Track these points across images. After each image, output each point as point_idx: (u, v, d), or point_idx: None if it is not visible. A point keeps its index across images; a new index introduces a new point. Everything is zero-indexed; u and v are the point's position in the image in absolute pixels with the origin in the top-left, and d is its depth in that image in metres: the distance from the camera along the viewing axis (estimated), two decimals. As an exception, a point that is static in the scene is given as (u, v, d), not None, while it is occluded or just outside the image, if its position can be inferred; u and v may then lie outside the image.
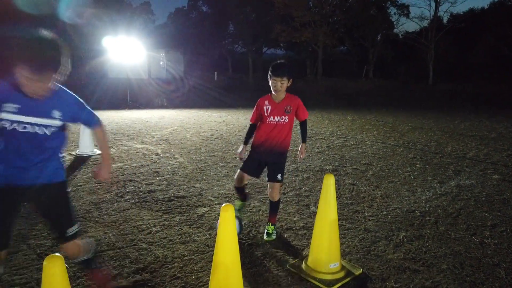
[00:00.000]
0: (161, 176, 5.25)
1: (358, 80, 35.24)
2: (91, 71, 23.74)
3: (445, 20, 39.77)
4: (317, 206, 2.82)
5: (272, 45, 43.78)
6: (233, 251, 2.11)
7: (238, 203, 3.49)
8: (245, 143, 3.38)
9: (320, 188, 2.78)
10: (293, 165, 5.97)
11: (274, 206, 3.38)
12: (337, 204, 2.78)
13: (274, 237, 3.31)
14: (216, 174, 5.41)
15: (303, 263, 2.85)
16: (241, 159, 3.35)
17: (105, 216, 3.76)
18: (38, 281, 2.55)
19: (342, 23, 37.11)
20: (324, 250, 2.69)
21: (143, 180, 5.06)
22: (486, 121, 12.20)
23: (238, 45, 44.59)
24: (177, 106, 16.04)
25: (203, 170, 5.62)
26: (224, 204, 2.13)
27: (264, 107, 3.24)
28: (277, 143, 3.23)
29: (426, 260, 2.99)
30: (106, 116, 12.26)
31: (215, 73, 32.48)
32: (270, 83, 3.16)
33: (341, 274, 2.71)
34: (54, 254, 1.49)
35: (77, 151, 6.66)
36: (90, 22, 28.03)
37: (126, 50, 18.11)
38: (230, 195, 4.48)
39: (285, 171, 5.01)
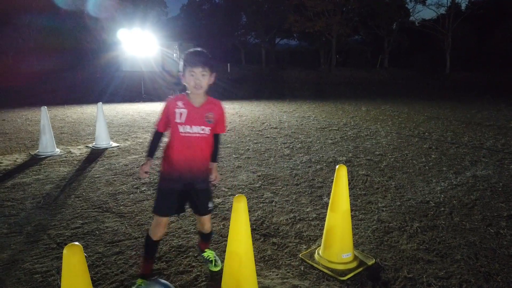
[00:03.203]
0: (176, 168, 5.31)
1: (372, 70, 34.74)
2: (105, 65, 24.04)
3: (463, 6, 38.74)
4: (330, 197, 2.83)
5: (285, 36, 43.44)
6: (246, 241, 2.14)
7: (139, 281, 2.43)
8: (149, 155, 2.40)
9: (333, 179, 2.79)
10: (306, 156, 5.96)
11: (207, 237, 2.73)
12: (350, 195, 2.79)
13: (219, 262, 2.72)
14: (229, 166, 5.45)
15: (316, 253, 2.88)
16: (145, 173, 2.35)
17: (121, 207, 3.85)
18: (58, 269, 2.65)
19: (356, 11, 36.53)
20: (337, 240, 2.71)
21: (158, 172, 5.13)
22: (505, 110, 11.91)
23: (250, 36, 44.39)
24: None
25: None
26: (237, 195, 2.16)
27: (176, 112, 2.29)
28: (199, 164, 2.36)
29: (440, 251, 2.98)
30: (121, 109, 12.43)
31: (228, 64, 32.44)
32: (185, 78, 2.27)
33: (354, 264, 2.73)
34: (73, 243, 1.55)
35: (94, 143, 6.79)
36: (105, 15, 28.27)
37: (140, 43, 18.24)
38: (243, 186, 4.52)
39: (283, 167, 5.00)
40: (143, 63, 19.42)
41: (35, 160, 5.70)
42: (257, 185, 4.57)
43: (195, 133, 2.31)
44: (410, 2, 39.03)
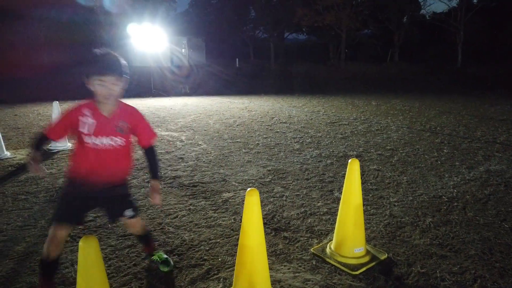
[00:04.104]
0: (186, 162, 5.33)
1: (383, 64, 34.39)
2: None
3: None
4: (341, 192, 2.81)
5: (294, 30, 43.16)
6: (258, 234, 2.14)
7: None
8: (35, 150, 2.08)
9: (344, 174, 2.77)
10: (316, 151, 5.94)
11: (144, 239, 2.55)
12: (362, 190, 2.76)
13: (171, 262, 2.59)
14: (239, 160, 5.46)
15: (328, 247, 2.87)
16: (33, 162, 2.02)
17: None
18: (73, 262, 2.68)
19: (366, 5, 36.09)
20: (349, 234, 2.69)
21: (168, 166, 5.16)
22: (519, 104, 11.71)
23: (259, 31, 44.20)
24: (200, 94, 16.16)
25: (226, 157, 5.67)
26: (249, 189, 2.15)
27: (82, 121, 2.04)
28: (111, 178, 2.15)
29: (453, 246, 2.95)
30: (132, 104, 12.50)
31: (237, 59, 32.38)
32: (92, 86, 2.01)
33: (366, 258, 2.71)
34: (89, 235, 1.56)
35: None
36: (115, 10, 28.38)
37: (149, 38, 18.30)
38: (253, 181, 4.52)
39: (293, 161, 4.96)
40: (153, 58, 19.49)
41: (48, 155, 5.77)
42: (267, 180, 4.57)
43: (105, 144, 2.07)
44: (422, -5, 38.31)
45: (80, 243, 1.53)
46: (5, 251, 2.84)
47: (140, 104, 12.76)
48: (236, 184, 4.41)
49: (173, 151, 5.98)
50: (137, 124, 2.18)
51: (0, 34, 24.06)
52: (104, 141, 2.07)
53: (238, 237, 3.03)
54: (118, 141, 2.11)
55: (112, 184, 2.16)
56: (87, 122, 2.04)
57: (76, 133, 2.07)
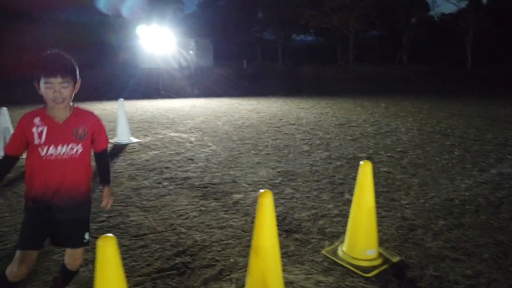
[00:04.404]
0: (196, 164, 5.36)
1: (391, 65, 34.21)
2: (124, 62, 24.37)
3: (484, 0, 37.66)
4: (352, 194, 2.81)
5: (301, 31, 43.15)
6: (272, 235, 2.15)
7: None
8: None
9: (354, 176, 2.77)
10: (325, 153, 5.93)
11: (69, 275, 2.19)
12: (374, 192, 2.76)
13: None
14: (249, 162, 5.47)
15: (339, 249, 2.87)
16: None
17: (144, 202, 3.91)
18: (87, 261, 2.71)
19: (373, 6, 35.96)
20: (361, 237, 2.69)
21: (178, 167, 5.19)
22: (530, 106, 11.57)
23: (266, 32, 44.26)
24: (208, 95, 16.21)
25: (236, 158, 5.69)
26: (262, 190, 2.17)
27: (34, 129, 1.85)
28: (70, 191, 1.93)
29: (466, 249, 2.93)
30: (140, 106, 12.60)
31: (244, 61, 32.46)
32: (41, 89, 1.82)
33: (378, 261, 2.70)
34: (107, 234, 1.58)
35: (115, 139, 6.90)
36: (121, 12, 28.61)
37: (158, 40, 18.41)
38: (263, 182, 4.53)
39: (303, 163, 4.96)
40: (161, 60, 19.61)
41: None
42: (277, 181, 4.57)
43: (63, 154, 1.87)
44: (431, -4, 38.06)
45: (99, 242, 1.55)
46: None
47: (149, 105, 12.85)
48: (246, 186, 4.42)
49: (183, 152, 6.01)
50: (95, 129, 2.00)
51: (13, 36, 24.42)
52: (61, 150, 1.87)
53: (250, 238, 3.04)
54: (77, 148, 1.90)
55: (73, 201, 1.95)
56: (40, 131, 1.85)
57: (31, 147, 1.87)
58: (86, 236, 2.05)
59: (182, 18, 41.50)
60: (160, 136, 7.40)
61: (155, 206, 3.78)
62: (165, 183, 4.51)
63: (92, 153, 2.10)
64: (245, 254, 2.82)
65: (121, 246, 2.94)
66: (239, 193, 4.17)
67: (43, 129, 1.86)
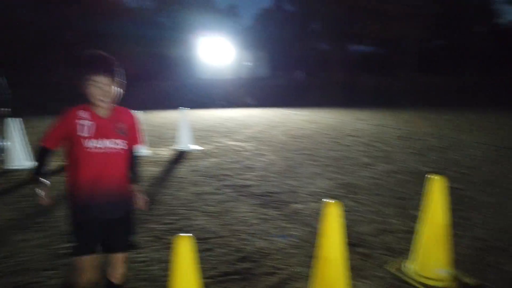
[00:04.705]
0: (254, 172, 5.44)
1: (455, 76, 32.32)
2: (184, 72, 25.47)
3: None
4: (418, 209, 2.69)
5: (359, 42, 42.29)
6: (339, 247, 2.12)
7: None
8: (39, 173, 1.94)
9: (419, 190, 2.66)
10: (387, 166, 5.73)
11: None
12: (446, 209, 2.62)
13: None
14: (306, 172, 5.44)
15: (405, 266, 2.75)
16: (46, 199, 1.91)
17: (207, 207, 4.04)
18: (157, 260, 2.86)
19: (436, 15, 34.33)
20: (432, 255, 2.56)
21: (238, 175, 5.30)
22: None
23: (323, 43, 43.97)
24: (264, 105, 16.43)
25: (293, 168, 5.69)
26: (327, 200, 2.15)
27: (80, 123, 1.87)
28: (115, 185, 1.94)
29: (552, 276, 2.67)
30: (199, 115, 13.07)
31: (300, 71, 32.46)
32: (85, 88, 1.85)
33: (451, 282, 2.55)
34: (185, 234, 1.67)
35: (177, 146, 7.22)
36: (181, 25, 30.01)
37: (216, 52, 19.06)
38: (323, 193, 4.48)
39: (363, 175, 4.82)
40: (219, 71, 20.25)
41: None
42: (337, 193, 4.50)
43: (108, 148, 1.90)
44: (498, 3, 35.53)
45: (176, 241, 1.64)
46: (98, 246, 3.10)
47: (207, 114, 13.30)
48: (306, 196, 4.40)
49: (241, 161, 6.14)
50: (132, 127, 2.03)
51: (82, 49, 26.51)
52: (107, 144, 1.89)
53: (311, 248, 3.03)
54: (120, 143, 1.94)
55: (119, 198, 1.96)
56: (86, 125, 1.87)
57: (74, 138, 1.87)
58: (133, 239, 2.05)
59: (238, 30, 42.60)
60: (219, 144, 7.62)
61: (217, 212, 3.89)
62: (225, 190, 4.63)
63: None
64: (307, 265, 2.80)
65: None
66: (298, 203, 4.16)
67: (88, 123, 1.88)
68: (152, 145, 7.50)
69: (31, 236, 3.30)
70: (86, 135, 1.86)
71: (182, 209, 3.95)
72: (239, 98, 18.25)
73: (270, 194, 4.45)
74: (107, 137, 1.90)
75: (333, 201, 2.12)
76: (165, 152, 6.86)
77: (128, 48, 29.13)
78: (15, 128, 5.73)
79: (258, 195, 4.42)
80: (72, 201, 1.92)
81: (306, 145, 7.41)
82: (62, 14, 28.09)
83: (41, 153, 1.93)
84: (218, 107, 16.38)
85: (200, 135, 8.72)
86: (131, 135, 2.02)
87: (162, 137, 8.51)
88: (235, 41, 24.58)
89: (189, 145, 7.17)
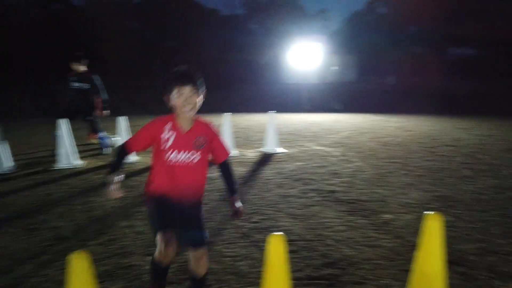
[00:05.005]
0: (341, 178, 5.31)
1: None
2: (270, 77, 25.99)
3: None
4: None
5: (459, 44, 38.76)
6: (439, 261, 1.96)
7: None
8: (113, 170, 2.09)
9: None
10: (493, 181, 5.14)
11: (199, 283, 2.19)
12: None
13: None
14: (398, 182, 5.14)
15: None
16: (116, 191, 2.06)
17: (292, 209, 4.05)
18: (244, 256, 2.95)
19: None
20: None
21: (323, 180, 5.22)
22: None
23: (419, 46, 41.22)
24: (352, 110, 15.97)
25: (384, 176, 5.42)
26: (431, 212, 2.00)
27: (163, 135, 2.05)
28: (187, 194, 2.08)
29: None
30: (285, 119, 13.19)
31: (392, 76, 30.87)
32: (173, 98, 2.01)
33: None
34: (278, 233, 1.69)
35: (264, 148, 7.37)
36: (270, 30, 30.65)
37: (303, 56, 19.06)
38: (416, 205, 4.18)
39: (464, 189, 4.35)
40: (305, 75, 20.22)
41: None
42: (433, 206, 4.16)
43: (182, 160, 2.04)
44: None
45: (269, 240, 1.67)
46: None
47: (293, 118, 13.35)
48: (397, 207, 4.15)
49: (327, 166, 6.03)
50: (213, 140, 2.12)
51: (178, 53, 28.63)
52: (182, 156, 2.05)
53: (403, 262, 2.86)
54: (196, 157, 2.06)
55: (191, 203, 2.10)
56: (167, 136, 2.05)
57: (156, 147, 2.07)
58: (206, 235, 2.13)
59: (327, 34, 42.06)
60: (304, 148, 7.59)
61: (303, 215, 3.88)
62: (311, 194, 4.59)
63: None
64: (399, 278, 2.64)
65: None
66: (389, 214, 3.94)
67: (170, 135, 2.05)
68: (239, 146, 7.77)
69: (135, 224, 3.65)
70: (165, 146, 2.04)
71: (268, 210, 4.02)
72: (325, 103, 18.00)
73: (358, 202, 4.30)
74: (184, 149, 2.05)
75: (434, 213, 1.97)
76: (252, 154, 7.05)
77: (220, 53, 30.75)
78: (123, 125, 6.40)
79: (345, 202, 4.29)
80: (149, 196, 2.13)
81: (398, 153, 7.00)
82: (163, 23, 30.75)
83: (121, 152, 2.13)
84: (304, 111, 16.35)
85: (286, 138, 8.80)
86: (214, 149, 2.13)
87: (248, 139, 8.78)
88: (323, 45, 24.35)
89: (275, 147, 7.28)
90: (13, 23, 27.56)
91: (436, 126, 10.96)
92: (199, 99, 2.06)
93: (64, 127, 5.96)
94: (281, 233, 1.69)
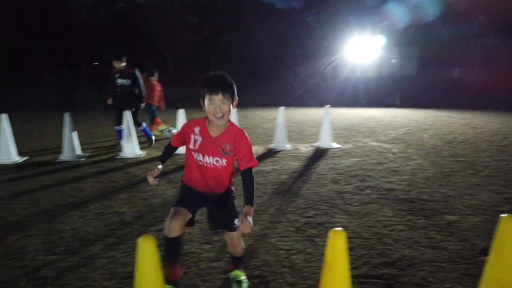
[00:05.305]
0: (400, 176, 5.08)
1: None
2: (327, 71, 25.49)
3: None
4: None
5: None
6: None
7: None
8: (161, 160, 2.30)
9: None
10: None
11: (237, 260, 2.46)
12: None
13: (245, 286, 2.39)
14: (464, 182, 4.81)
15: None
16: (153, 178, 2.19)
17: (348, 206, 3.95)
18: (298, 250, 2.93)
19: None
20: None
21: (381, 177, 5.03)
22: None
23: (488, 37, 38.11)
24: (411, 105, 15.21)
25: (447, 175, 5.09)
26: (504, 215, 1.84)
27: (192, 138, 2.17)
28: (212, 188, 2.24)
29: None
30: (340, 113, 12.89)
31: (456, 69, 28.90)
32: (205, 105, 2.07)
33: None
34: (338, 228, 1.65)
35: (318, 143, 7.26)
36: (327, 24, 29.98)
37: (359, 49, 18.45)
38: (484, 208, 3.88)
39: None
40: (361, 69, 19.58)
41: (271, 153, 6.56)
42: (504, 209, 3.84)
43: (208, 163, 2.15)
44: None
45: (330, 235, 1.63)
46: (245, 229, 3.36)
47: (348, 113, 13.01)
48: (463, 208, 3.89)
49: (385, 163, 5.80)
50: (240, 148, 2.13)
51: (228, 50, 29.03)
52: (208, 160, 2.14)
53: (467, 266, 2.68)
54: (221, 162, 2.15)
55: (219, 193, 2.25)
56: (195, 140, 2.16)
57: (186, 146, 2.22)
58: (236, 222, 2.20)
59: (387, 26, 40.28)
60: (360, 144, 7.36)
61: (359, 212, 3.77)
62: (367, 191, 4.44)
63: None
64: (464, 283, 2.48)
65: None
66: (453, 215, 3.70)
67: (198, 138, 2.15)
68: (292, 140, 7.73)
69: (191, 212, 3.77)
70: (193, 148, 2.16)
71: (322, 205, 3.96)
72: (383, 97, 17.30)
73: (419, 201, 4.08)
74: (209, 154, 2.14)
75: (506, 215, 1.81)
76: (305, 148, 6.97)
77: (276, 47, 30.72)
78: (181, 118, 6.62)
79: (404, 201, 4.10)
80: (182, 183, 2.34)
81: (464, 152, 6.55)
82: (220, 18, 31.32)
83: (167, 147, 2.35)
84: (361, 106, 15.85)
85: (340, 133, 8.59)
86: (240, 157, 2.13)
87: (302, 133, 8.69)
88: (382, 38, 23.35)
89: (330, 142, 7.14)
90: (82, 21, 29.63)
91: (509, 123, 10.09)
92: (229, 108, 2.07)
93: (129, 119, 6.30)
94: (341, 228, 1.65)
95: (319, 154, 6.51)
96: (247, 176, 2.14)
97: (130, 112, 6.42)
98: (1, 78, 24.75)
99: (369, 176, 5.09)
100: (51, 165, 5.83)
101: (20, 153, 6.39)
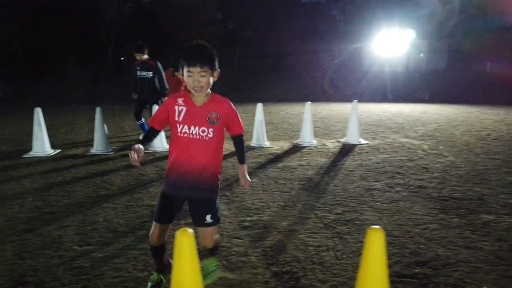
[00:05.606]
0: (431, 173, 4.94)
1: None
2: (352, 66, 25.05)
3: None
4: None
5: None
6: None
7: (153, 275, 2.33)
8: (140, 142, 2.11)
9: None
10: None
11: (211, 251, 2.42)
12: None
13: (215, 276, 2.40)
14: (499, 180, 4.63)
15: None
16: (135, 154, 1.96)
17: (377, 203, 3.88)
18: (328, 246, 2.90)
19: None
20: None
21: (411, 174, 4.91)
22: None
23: (523, 29, 36.38)
24: (441, 101, 14.77)
25: (481, 173, 4.92)
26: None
27: (176, 108, 2.06)
28: (198, 171, 2.07)
29: None
30: (366, 108, 12.66)
31: (488, 63, 27.80)
32: (184, 78, 2.00)
33: None
34: (376, 226, 1.61)
35: (345, 139, 7.16)
36: (353, 17, 29.40)
37: (387, 43, 18.03)
38: (523, 207, 3.73)
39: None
40: (389, 63, 19.13)
41: (297, 148, 6.51)
42: (544, 209, 3.68)
43: (195, 134, 2.04)
44: None
45: (369, 232, 1.60)
46: (274, 224, 3.36)
47: (376, 108, 12.76)
48: (498, 207, 3.74)
49: (415, 160, 5.66)
50: (227, 116, 2.10)
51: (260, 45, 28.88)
52: (194, 131, 2.04)
53: (505, 267, 2.61)
54: (208, 132, 2.04)
55: (201, 182, 2.09)
56: (179, 111, 2.06)
57: (171, 122, 2.09)
58: (208, 218, 2.17)
59: (415, 18, 39.15)
60: (389, 140, 7.21)
61: (389, 210, 3.69)
62: (397, 188, 4.34)
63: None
64: (501, 284, 2.40)
65: (358, 241, 3.00)
66: (488, 214, 3.57)
67: (183, 109, 2.05)
68: (318, 135, 7.65)
69: (219, 207, 3.79)
70: (179, 119, 2.05)
71: (351, 202, 3.90)
72: (411, 92, 16.87)
73: (452, 199, 3.96)
74: (195, 124, 2.04)
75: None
76: (332, 144, 6.89)
77: (301, 41, 30.40)
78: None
79: (436, 199, 3.99)
80: (165, 175, 2.18)
81: (498, 149, 6.30)
82: (244, 13, 31.27)
83: (149, 130, 2.23)
84: (389, 101, 15.51)
85: (368, 129, 8.44)
86: (229, 124, 2.13)
87: (328, 129, 8.59)
88: (411, 31, 22.71)
89: (357, 138, 7.02)
90: (110, 17, 30.23)
91: (545, 119, 9.64)
92: (211, 79, 2.00)
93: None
94: (379, 226, 1.61)
95: (346, 150, 6.42)
96: (237, 140, 2.25)
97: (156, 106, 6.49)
98: (32, 74, 25.64)
99: (398, 173, 4.98)
100: (83, 158, 6.00)
101: (53, 146, 6.61)
